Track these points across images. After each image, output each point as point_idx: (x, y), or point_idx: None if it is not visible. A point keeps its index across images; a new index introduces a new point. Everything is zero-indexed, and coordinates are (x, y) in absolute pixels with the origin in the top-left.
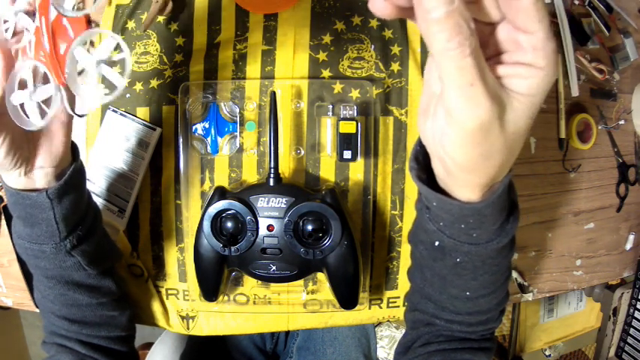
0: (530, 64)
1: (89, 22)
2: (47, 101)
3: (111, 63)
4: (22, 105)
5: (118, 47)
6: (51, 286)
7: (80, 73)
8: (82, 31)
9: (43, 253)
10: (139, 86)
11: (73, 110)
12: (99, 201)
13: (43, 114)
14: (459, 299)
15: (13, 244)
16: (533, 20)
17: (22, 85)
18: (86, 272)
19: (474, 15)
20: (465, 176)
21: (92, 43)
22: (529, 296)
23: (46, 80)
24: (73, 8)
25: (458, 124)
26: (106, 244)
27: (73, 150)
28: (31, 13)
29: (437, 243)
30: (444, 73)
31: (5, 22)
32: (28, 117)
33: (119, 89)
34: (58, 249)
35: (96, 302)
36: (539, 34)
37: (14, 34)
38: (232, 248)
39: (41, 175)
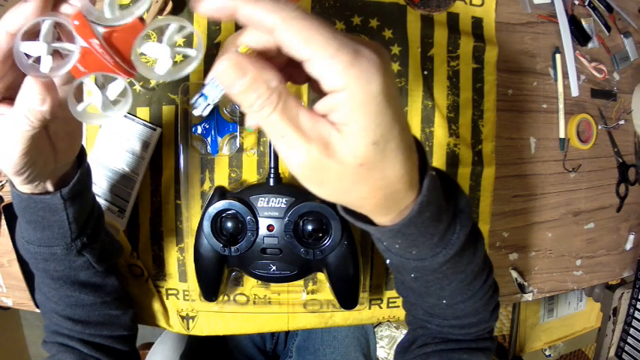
0: (332, 91)
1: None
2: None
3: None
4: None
5: (181, 28)
6: (57, 287)
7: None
8: (137, 29)
9: (53, 255)
10: (138, 86)
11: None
12: (99, 201)
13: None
14: (439, 307)
15: (17, 248)
16: (299, 48)
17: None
18: (93, 270)
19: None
20: (352, 206)
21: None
22: (529, 296)
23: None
24: (114, 12)
25: (290, 169)
26: (110, 239)
27: (79, 151)
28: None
29: (388, 261)
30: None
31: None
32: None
33: (199, 57)
34: (69, 250)
35: (100, 301)
36: (315, 58)
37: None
38: (232, 248)
39: (53, 176)
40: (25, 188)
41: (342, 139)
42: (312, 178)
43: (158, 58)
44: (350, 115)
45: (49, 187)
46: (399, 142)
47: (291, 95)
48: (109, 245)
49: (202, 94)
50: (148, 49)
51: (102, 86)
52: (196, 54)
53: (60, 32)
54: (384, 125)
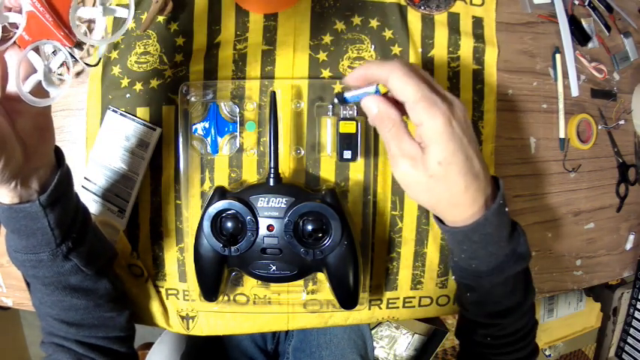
0: (417, 124)
1: None
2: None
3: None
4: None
5: None
6: (48, 292)
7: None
8: None
9: (40, 262)
10: (138, 86)
11: (85, 64)
12: (99, 201)
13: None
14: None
15: (10, 258)
16: (398, 95)
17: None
18: (83, 274)
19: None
20: (427, 207)
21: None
22: None
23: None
24: None
25: (394, 173)
26: (98, 241)
27: (57, 155)
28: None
29: (453, 277)
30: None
31: None
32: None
33: (129, 20)
34: (55, 255)
35: (93, 304)
36: (407, 102)
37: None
38: (232, 248)
39: (31, 185)
40: (6, 197)
41: (422, 158)
42: (403, 182)
43: (95, 22)
44: (425, 141)
45: (34, 195)
46: (461, 167)
47: (403, 124)
48: (98, 247)
49: (347, 100)
50: (83, 12)
51: (46, 59)
52: (127, 14)
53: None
54: (447, 152)
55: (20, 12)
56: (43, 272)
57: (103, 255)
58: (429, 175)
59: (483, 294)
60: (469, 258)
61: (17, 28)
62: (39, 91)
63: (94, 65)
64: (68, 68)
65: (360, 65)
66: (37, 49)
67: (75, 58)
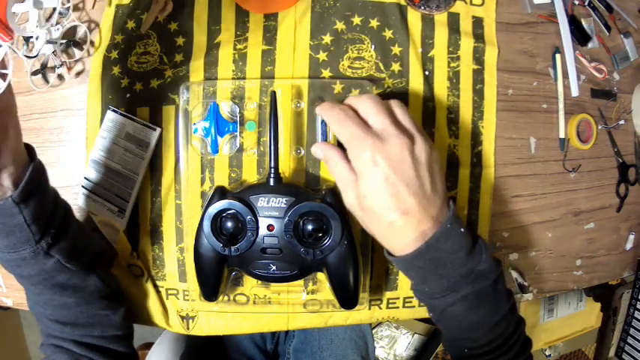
0: (351, 160)
1: None
2: None
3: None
4: None
5: None
6: (38, 292)
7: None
8: None
9: (23, 260)
10: (139, 86)
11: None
12: (99, 201)
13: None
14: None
15: None
16: (339, 137)
17: None
18: (69, 271)
19: None
20: (372, 234)
21: None
22: (529, 296)
23: None
24: None
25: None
26: (82, 236)
27: (29, 151)
28: None
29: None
30: None
31: None
32: None
33: (57, 9)
34: (37, 252)
35: (84, 302)
36: (344, 144)
37: None
38: (232, 248)
39: (3, 183)
40: None
41: (357, 190)
42: (350, 211)
43: (29, 15)
44: (357, 174)
45: (7, 192)
46: (383, 202)
47: (343, 161)
48: (82, 242)
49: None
50: (17, 7)
51: None
52: (57, 2)
53: None
54: (369, 186)
55: None
56: (27, 271)
57: (88, 250)
58: (361, 206)
59: (441, 314)
60: (420, 282)
61: None
62: None
63: (34, 57)
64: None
65: (318, 107)
66: None
67: (15, 52)
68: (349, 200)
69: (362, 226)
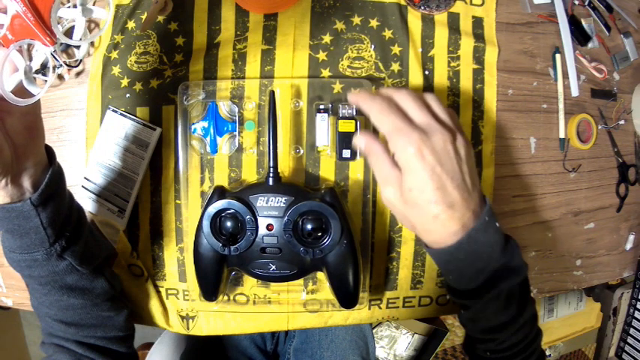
0: (394, 153)
1: None
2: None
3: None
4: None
5: None
6: (45, 292)
7: (66, 33)
8: None
9: (35, 261)
10: (138, 86)
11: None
12: (99, 201)
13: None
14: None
15: (6, 258)
16: (379, 128)
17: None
18: (79, 273)
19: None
20: (409, 229)
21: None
22: None
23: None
24: None
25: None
26: (94, 240)
27: (49, 154)
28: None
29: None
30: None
31: None
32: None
33: (108, 21)
34: (50, 254)
35: (91, 304)
36: (386, 136)
37: None
38: (232, 248)
39: (22, 184)
40: None
41: (400, 184)
42: (387, 205)
43: (74, 22)
44: (401, 169)
45: (25, 194)
46: (430, 195)
47: (385, 154)
48: (93, 246)
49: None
50: (63, 12)
51: (28, 59)
52: (106, 15)
53: None
54: (416, 180)
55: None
56: (38, 272)
57: (99, 254)
58: (404, 201)
59: (476, 311)
60: (458, 277)
61: (1, 27)
62: (21, 90)
63: (75, 66)
64: (54, 68)
65: (355, 95)
66: (19, 49)
67: (56, 58)
68: (388, 195)
69: (400, 222)
